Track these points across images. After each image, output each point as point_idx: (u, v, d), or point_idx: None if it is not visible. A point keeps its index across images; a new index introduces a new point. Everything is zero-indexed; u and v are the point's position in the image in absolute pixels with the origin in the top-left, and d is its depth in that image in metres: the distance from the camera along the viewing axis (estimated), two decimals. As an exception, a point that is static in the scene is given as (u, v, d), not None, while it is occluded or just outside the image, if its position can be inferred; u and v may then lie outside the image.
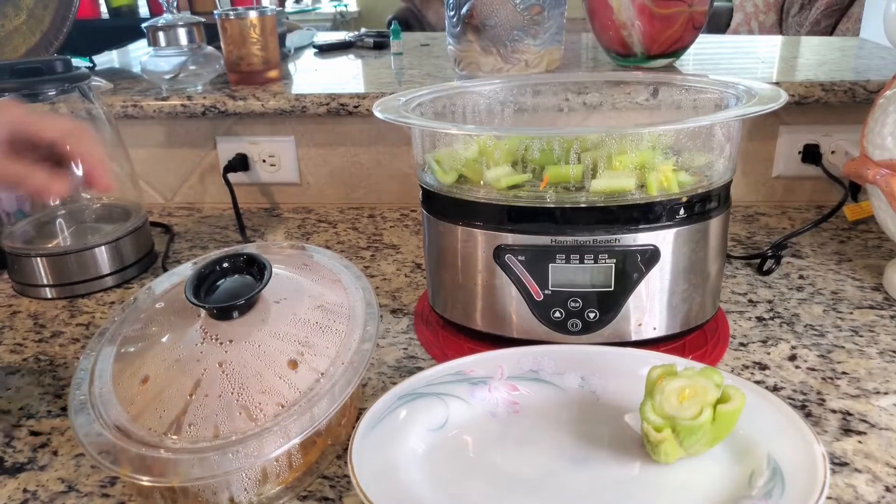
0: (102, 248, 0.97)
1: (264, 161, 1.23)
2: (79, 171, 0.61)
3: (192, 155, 1.26)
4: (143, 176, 1.28)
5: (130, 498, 0.58)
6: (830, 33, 2.13)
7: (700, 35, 1.20)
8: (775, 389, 0.69)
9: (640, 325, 0.71)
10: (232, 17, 1.21)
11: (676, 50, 1.20)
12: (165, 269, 1.02)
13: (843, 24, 2.10)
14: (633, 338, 0.71)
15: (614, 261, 0.68)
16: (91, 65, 1.51)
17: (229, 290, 0.63)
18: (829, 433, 0.63)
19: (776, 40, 1.67)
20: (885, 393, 0.68)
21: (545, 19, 1.15)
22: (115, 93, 1.22)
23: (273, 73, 1.27)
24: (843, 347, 0.76)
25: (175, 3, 1.25)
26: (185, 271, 0.72)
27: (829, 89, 1.06)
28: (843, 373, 0.71)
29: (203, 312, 0.61)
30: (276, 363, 0.57)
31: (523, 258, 0.69)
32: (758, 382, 0.68)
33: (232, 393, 0.55)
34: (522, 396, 0.65)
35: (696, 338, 0.76)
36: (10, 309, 0.94)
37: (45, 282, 0.96)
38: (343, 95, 1.15)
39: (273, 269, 0.67)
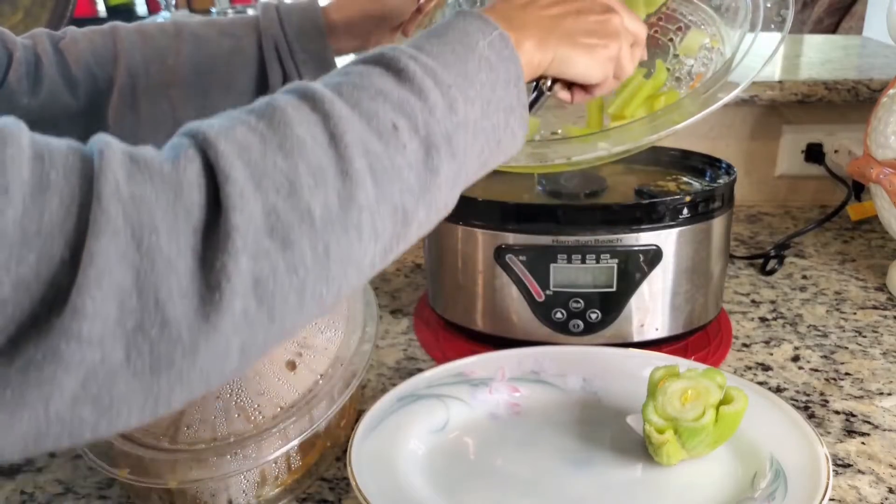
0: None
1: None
2: None
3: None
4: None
5: (128, 500, 0.58)
6: (833, 31, 2.12)
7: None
8: (778, 390, 0.68)
9: (642, 325, 0.70)
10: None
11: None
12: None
13: (847, 22, 2.09)
14: (636, 339, 0.70)
15: (616, 261, 0.67)
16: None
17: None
18: (833, 434, 0.62)
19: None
20: (889, 394, 0.67)
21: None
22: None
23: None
24: (847, 348, 0.75)
25: (173, 1, 1.25)
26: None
27: (833, 88, 1.05)
28: (847, 374, 0.71)
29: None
30: (274, 364, 0.56)
31: (524, 258, 0.68)
32: (761, 383, 0.67)
33: (230, 395, 0.54)
34: (523, 398, 0.64)
35: (698, 339, 0.75)
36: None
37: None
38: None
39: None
